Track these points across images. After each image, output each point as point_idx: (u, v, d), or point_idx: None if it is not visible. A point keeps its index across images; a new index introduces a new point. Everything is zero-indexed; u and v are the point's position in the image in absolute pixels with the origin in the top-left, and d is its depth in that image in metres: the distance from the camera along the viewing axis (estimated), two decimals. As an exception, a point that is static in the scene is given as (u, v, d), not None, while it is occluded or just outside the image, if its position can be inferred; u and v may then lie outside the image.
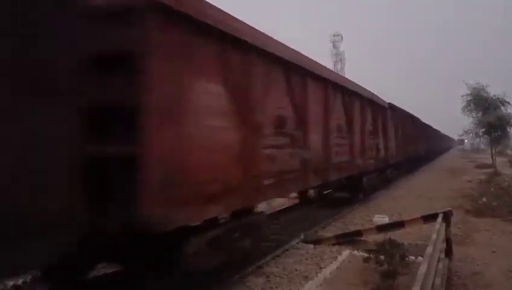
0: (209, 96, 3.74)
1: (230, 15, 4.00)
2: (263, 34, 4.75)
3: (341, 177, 8.51)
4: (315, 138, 6.53)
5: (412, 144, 19.28)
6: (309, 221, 8.17)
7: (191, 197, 3.39)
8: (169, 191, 3.09)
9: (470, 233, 7.32)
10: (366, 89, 10.15)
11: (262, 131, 4.67)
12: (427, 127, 28.01)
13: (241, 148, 4.21)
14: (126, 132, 2.82)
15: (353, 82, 9.27)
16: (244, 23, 4.29)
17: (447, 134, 60.18)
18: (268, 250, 5.88)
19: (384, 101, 12.68)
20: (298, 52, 5.84)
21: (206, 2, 3.63)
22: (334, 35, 63.37)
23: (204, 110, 3.67)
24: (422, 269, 3.21)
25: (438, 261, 4.07)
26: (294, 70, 5.66)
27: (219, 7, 3.78)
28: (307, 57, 6.24)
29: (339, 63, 61.32)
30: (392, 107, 14.24)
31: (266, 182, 4.76)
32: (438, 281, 3.59)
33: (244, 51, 4.26)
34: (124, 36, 2.87)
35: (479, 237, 7.12)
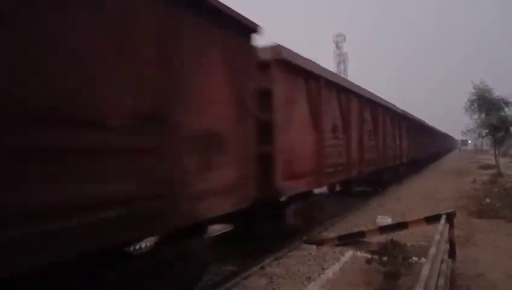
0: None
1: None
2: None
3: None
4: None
5: (380, 147, 11.96)
6: None
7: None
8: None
9: (474, 234, 7.29)
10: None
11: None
12: (413, 122, 19.57)
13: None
14: None
15: None
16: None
17: (447, 133, 55.39)
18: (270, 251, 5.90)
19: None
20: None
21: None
22: (337, 36, 63.20)
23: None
24: (425, 270, 3.21)
25: (441, 263, 4.06)
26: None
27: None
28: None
29: (342, 63, 61.16)
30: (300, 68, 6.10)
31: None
32: (441, 282, 3.58)
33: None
34: None
35: (483, 238, 7.09)
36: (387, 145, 12.93)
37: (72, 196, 2.40)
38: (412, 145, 19.18)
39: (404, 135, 16.79)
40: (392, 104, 14.03)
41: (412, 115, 19.21)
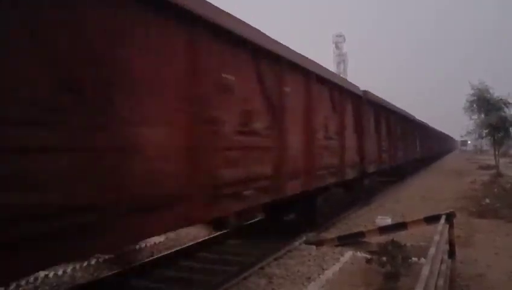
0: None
1: None
2: None
3: None
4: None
5: (293, 150, 5.90)
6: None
7: None
8: None
9: (473, 234, 7.30)
10: None
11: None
12: (392, 114, 14.01)
13: None
14: None
15: None
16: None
17: (445, 133, 52.02)
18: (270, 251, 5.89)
19: None
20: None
21: None
22: (336, 36, 63.22)
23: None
24: (425, 270, 3.21)
25: (441, 263, 4.06)
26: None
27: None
28: None
29: (342, 63, 61.20)
30: None
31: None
32: (440, 282, 3.58)
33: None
34: None
35: (482, 238, 7.10)
36: (323, 147, 7.07)
37: None
38: (391, 146, 13.51)
39: (372, 131, 10.91)
40: (341, 78, 8.81)
41: (389, 103, 13.31)
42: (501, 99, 19.92)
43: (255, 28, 4.86)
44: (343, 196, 9.04)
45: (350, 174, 8.76)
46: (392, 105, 14.01)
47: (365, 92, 10.14)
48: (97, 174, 2.69)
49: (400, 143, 15.46)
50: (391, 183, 15.31)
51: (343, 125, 8.27)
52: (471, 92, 20.34)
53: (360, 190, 10.56)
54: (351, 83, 9.31)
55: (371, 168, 10.47)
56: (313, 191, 6.80)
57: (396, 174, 16.18)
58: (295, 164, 5.91)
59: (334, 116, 7.87)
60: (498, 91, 20.40)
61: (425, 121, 26.79)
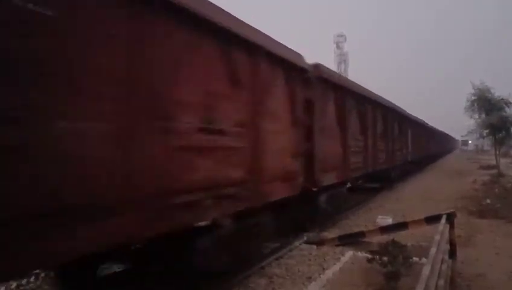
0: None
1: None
2: None
3: None
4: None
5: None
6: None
7: None
8: None
9: (474, 234, 7.29)
10: None
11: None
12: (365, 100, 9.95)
13: None
14: None
15: None
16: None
17: (444, 132, 49.21)
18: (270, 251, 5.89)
19: None
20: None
21: None
22: (338, 36, 63.17)
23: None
24: (426, 270, 3.20)
25: (442, 263, 4.06)
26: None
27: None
28: None
29: (343, 63, 61.15)
30: None
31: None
32: (441, 282, 3.58)
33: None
34: None
35: (483, 238, 7.09)
36: (196, 149, 3.71)
37: None
38: (366, 147, 10.09)
39: (331, 125, 7.55)
40: (259, 32, 4.78)
41: (364, 88, 9.97)
42: (502, 99, 19.89)
43: None
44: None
45: (279, 192, 5.36)
46: (369, 91, 10.39)
47: (317, 65, 6.77)
48: None
49: (381, 143, 11.90)
50: (374, 195, 12.50)
51: (259, 112, 4.81)
52: (472, 91, 20.31)
53: (310, 213, 7.14)
54: (285, 46, 5.60)
55: (329, 179, 7.25)
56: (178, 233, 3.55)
57: (379, 180, 13.20)
58: (84, 187, 2.60)
59: (236, 94, 4.40)
60: (498, 91, 20.38)
61: (425, 121, 26.49)
